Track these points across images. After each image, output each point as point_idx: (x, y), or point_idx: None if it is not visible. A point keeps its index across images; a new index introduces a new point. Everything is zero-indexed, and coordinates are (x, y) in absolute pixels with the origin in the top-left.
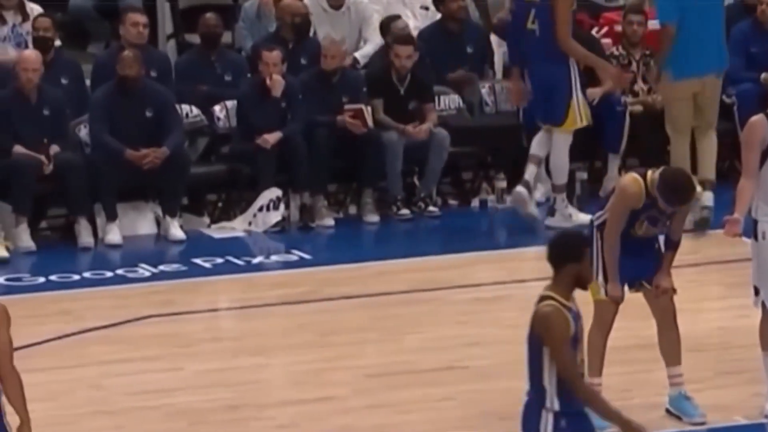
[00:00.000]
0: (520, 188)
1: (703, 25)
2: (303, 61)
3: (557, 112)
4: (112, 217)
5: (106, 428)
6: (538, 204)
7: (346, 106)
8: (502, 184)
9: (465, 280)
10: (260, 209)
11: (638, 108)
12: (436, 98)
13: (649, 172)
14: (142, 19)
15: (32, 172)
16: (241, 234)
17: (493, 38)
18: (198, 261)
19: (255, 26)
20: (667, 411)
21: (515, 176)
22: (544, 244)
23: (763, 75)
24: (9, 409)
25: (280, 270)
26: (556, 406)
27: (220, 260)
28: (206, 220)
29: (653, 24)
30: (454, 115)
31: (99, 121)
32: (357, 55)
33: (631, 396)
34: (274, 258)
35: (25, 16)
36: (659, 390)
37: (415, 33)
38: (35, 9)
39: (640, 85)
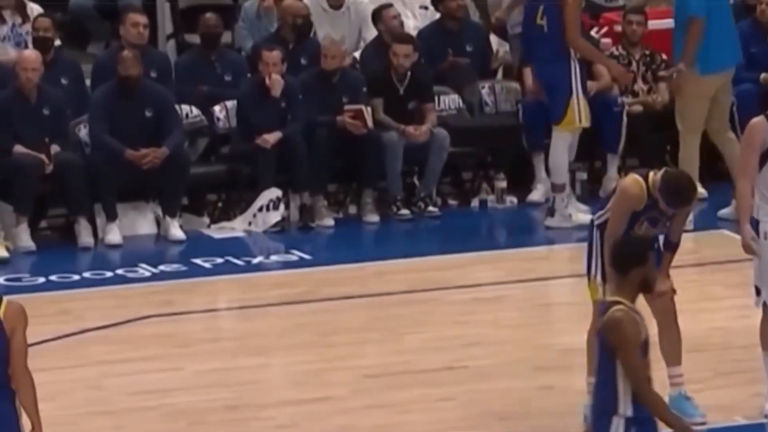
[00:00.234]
0: (548, 221)
1: (725, 20)
2: (303, 61)
3: (556, 110)
4: (112, 217)
5: (106, 428)
6: (539, 204)
7: (346, 107)
8: (502, 184)
9: (465, 280)
10: (260, 209)
11: (638, 108)
12: (436, 98)
13: (651, 174)
14: (142, 19)
15: (33, 172)
16: (240, 234)
17: (493, 38)
18: (198, 261)
19: (255, 26)
20: None
21: (515, 176)
22: (543, 244)
23: (763, 75)
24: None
25: (280, 270)
26: (629, 413)
27: (219, 260)
28: (206, 220)
29: (655, 24)
30: (453, 115)
31: (99, 121)
32: (357, 55)
33: None
34: (273, 258)
35: (25, 16)
36: (659, 390)
37: (414, 33)
38: (35, 9)
39: (639, 85)
